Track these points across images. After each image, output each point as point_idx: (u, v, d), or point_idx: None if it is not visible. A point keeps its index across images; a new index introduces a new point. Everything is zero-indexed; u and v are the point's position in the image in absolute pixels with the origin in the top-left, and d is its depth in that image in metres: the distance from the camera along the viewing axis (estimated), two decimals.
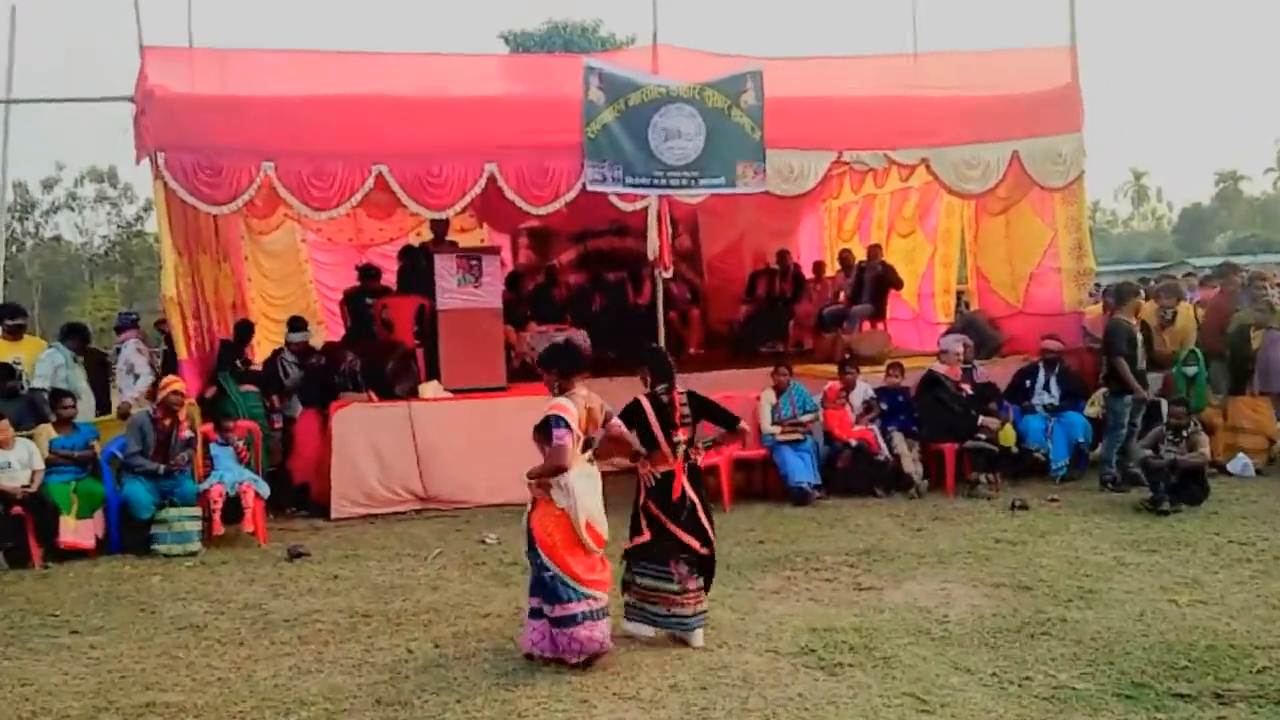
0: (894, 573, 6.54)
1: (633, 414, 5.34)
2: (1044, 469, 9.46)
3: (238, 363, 9.66)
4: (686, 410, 5.38)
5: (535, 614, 5.02)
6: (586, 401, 4.98)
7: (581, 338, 10.77)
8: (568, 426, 4.78)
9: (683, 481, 5.27)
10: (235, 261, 11.87)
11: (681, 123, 9.32)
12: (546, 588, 4.92)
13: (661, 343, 9.59)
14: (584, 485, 4.90)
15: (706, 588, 5.39)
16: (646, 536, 5.29)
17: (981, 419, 9.26)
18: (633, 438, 5.33)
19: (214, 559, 7.50)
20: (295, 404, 9.51)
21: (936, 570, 6.57)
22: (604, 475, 5.21)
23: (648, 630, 5.38)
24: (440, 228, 10.72)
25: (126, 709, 4.68)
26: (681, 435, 5.33)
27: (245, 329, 10.40)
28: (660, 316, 9.90)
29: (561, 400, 4.91)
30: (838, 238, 15.02)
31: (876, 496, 9.02)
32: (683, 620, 5.26)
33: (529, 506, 5.04)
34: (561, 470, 4.81)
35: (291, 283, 13.41)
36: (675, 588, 5.26)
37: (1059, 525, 7.74)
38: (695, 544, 5.26)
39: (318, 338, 11.70)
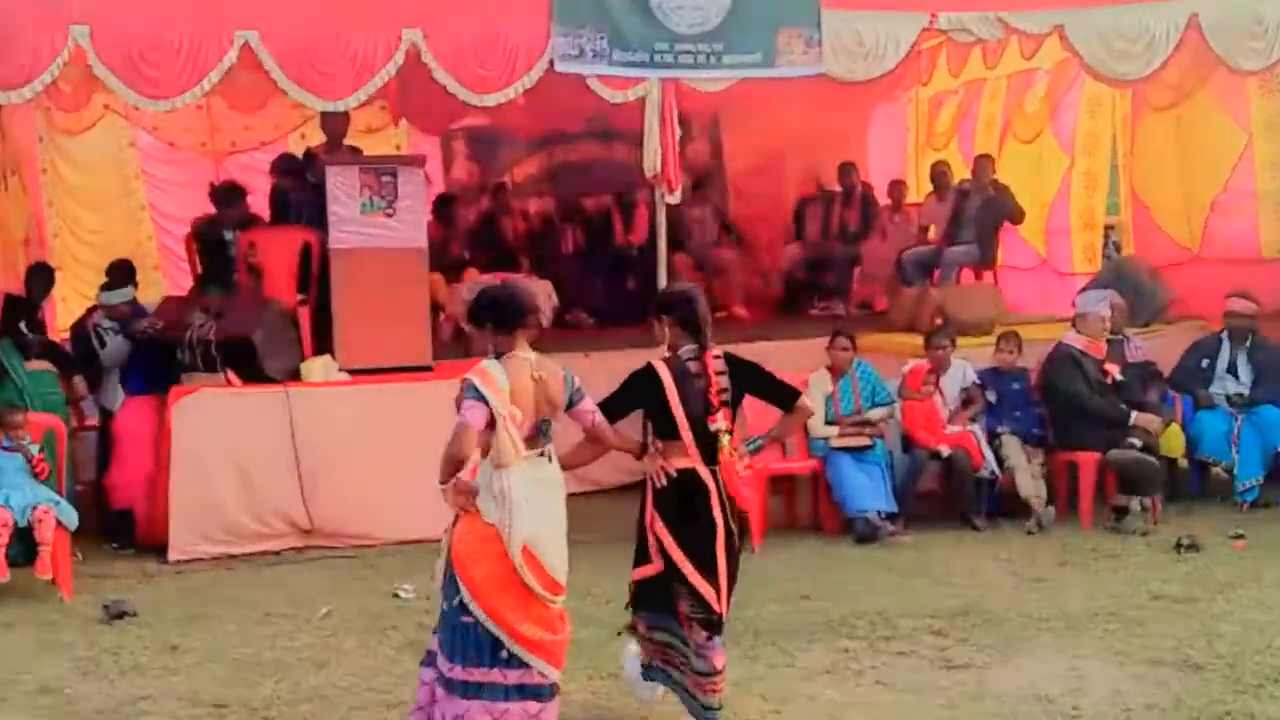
0: (1001, 644, 6.57)
1: (642, 386, 5.35)
2: (1226, 490, 9.52)
3: (22, 327, 9.63)
4: (725, 383, 5.36)
5: (429, 660, 5.02)
6: (535, 370, 4.99)
7: (544, 291, 10.74)
8: (480, 398, 4.79)
9: (730, 486, 5.29)
10: (29, 177, 11.84)
11: None
12: (453, 629, 4.88)
13: None
14: (528, 492, 4.87)
15: None
16: (658, 565, 5.32)
17: (1135, 416, 9.27)
18: (615, 433, 5.33)
19: None
20: (115, 390, 9.49)
21: (1065, 640, 6.61)
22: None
23: (657, 692, 5.50)
24: (336, 126, 10.67)
25: None
26: (722, 420, 5.31)
27: (41, 276, 10.40)
28: (663, 262, 9.89)
29: (486, 363, 4.94)
30: (927, 145, 15.01)
31: (976, 530, 9.08)
32: (707, 709, 5.33)
33: (450, 522, 5.04)
34: (458, 462, 4.82)
35: (114, 209, 13.42)
36: (702, 666, 5.29)
37: (1246, 574, 7.77)
38: (708, 589, 5.24)
39: (153, 292, 11.67)
